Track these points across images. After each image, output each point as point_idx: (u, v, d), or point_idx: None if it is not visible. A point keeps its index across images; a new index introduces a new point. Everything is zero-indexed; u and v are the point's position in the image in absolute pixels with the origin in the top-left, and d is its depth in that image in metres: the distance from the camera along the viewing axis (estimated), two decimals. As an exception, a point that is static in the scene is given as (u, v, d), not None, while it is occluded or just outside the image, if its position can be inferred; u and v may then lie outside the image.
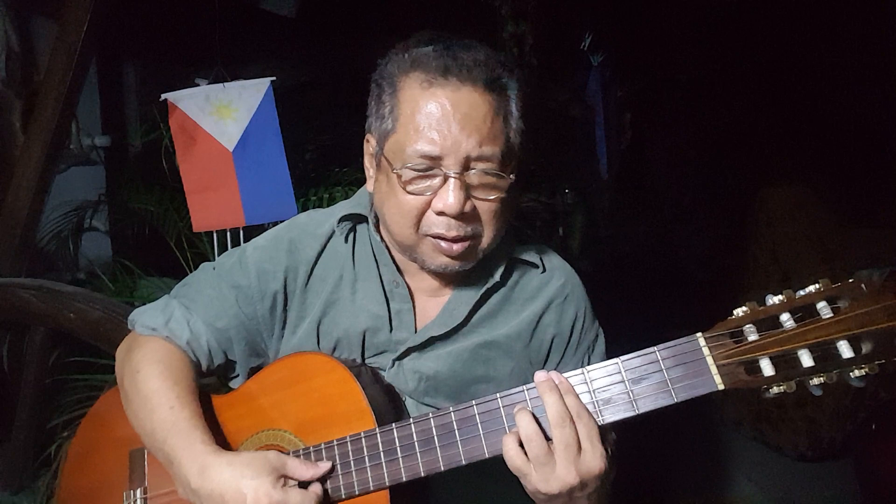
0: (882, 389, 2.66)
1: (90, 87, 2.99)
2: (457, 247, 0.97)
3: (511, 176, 0.96)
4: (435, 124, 0.91)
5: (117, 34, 3.00)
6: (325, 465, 0.91)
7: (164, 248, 2.64)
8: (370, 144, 1.04)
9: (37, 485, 2.35)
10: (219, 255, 2.36)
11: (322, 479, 0.92)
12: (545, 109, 5.34)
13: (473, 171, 0.94)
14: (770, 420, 3.04)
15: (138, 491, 1.05)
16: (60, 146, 2.39)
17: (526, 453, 0.84)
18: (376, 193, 1.03)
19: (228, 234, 2.39)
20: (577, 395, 0.86)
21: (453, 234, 0.95)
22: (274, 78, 2.32)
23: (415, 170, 0.93)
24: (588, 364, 1.12)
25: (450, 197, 0.92)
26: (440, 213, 0.94)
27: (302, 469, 0.90)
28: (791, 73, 3.13)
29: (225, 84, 2.32)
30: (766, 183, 3.25)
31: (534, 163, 5.41)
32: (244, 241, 1.78)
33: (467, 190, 0.94)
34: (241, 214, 2.32)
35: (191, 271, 1.19)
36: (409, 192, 0.95)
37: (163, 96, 2.30)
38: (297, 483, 0.91)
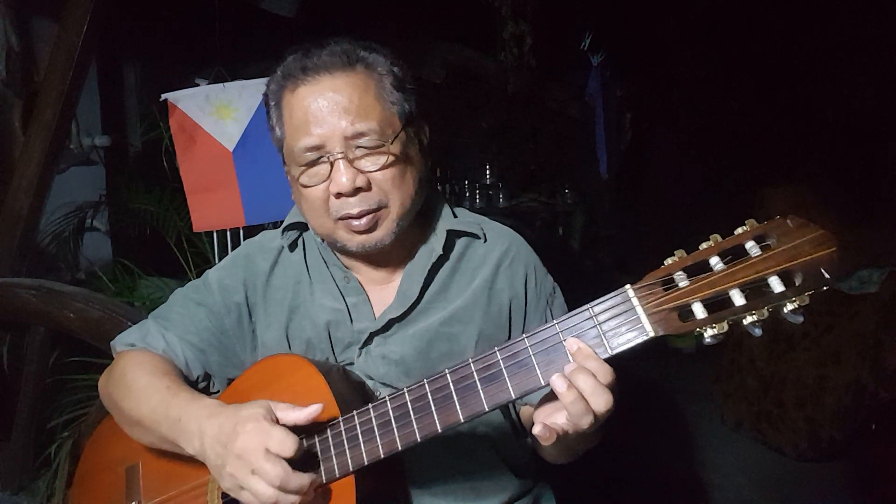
0: (882, 389, 2.66)
1: (90, 87, 2.99)
2: (365, 220, 1.02)
3: (391, 144, 1.01)
4: (309, 118, 1.00)
5: (117, 34, 3.01)
6: (314, 407, 0.93)
7: (164, 248, 2.63)
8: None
9: (37, 485, 2.35)
10: (219, 255, 2.38)
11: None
12: (545, 109, 5.35)
13: (355, 147, 1.00)
14: (770, 420, 3.04)
15: (134, 503, 1.12)
16: (60, 146, 2.39)
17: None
18: (295, 200, 1.12)
19: (228, 234, 2.39)
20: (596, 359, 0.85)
21: (357, 210, 1.01)
22: (274, 78, 2.32)
23: (305, 164, 1.01)
24: (551, 319, 1.15)
25: (340, 177, 0.99)
26: (339, 196, 1.01)
27: (290, 412, 0.93)
28: (791, 72, 3.13)
29: (225, 84, 2.32)
30: (766, 183, 3.26)
31: (534, 163, 5.42)
32: (244, 241, 1.78)
33: (355, 166, 1.00)
34: (241, 214, 2.32)
35: (191, 271, 1.21)
36: (305, 186, 1.03)
37: (163, 96, 2.30)
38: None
